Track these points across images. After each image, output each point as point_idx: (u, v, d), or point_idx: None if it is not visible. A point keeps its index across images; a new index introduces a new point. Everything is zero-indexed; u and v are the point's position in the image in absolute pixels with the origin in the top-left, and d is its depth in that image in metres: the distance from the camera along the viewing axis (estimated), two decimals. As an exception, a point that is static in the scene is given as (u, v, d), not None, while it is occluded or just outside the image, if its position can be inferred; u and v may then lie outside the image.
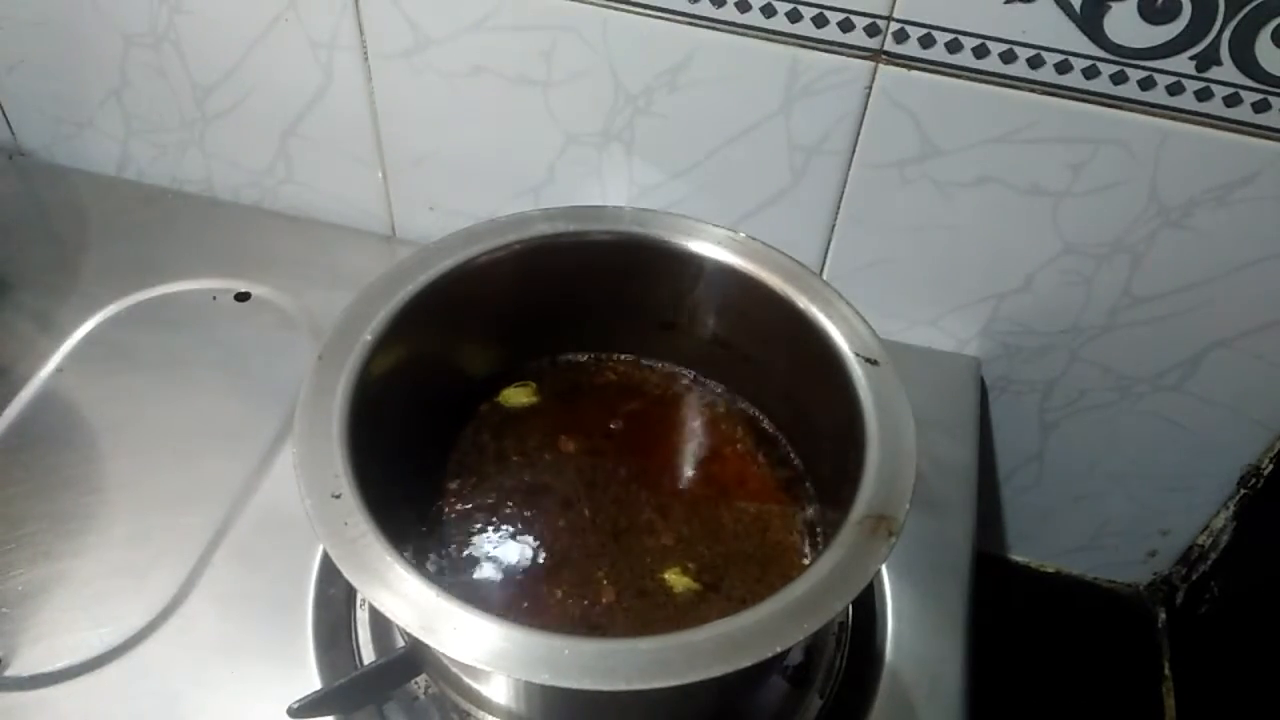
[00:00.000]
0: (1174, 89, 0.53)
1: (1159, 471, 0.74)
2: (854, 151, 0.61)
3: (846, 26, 0.56)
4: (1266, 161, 0.55)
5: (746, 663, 0.36)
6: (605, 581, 0.49)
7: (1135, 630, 0.83)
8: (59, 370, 0.65)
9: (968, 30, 0.54)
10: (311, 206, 0.77)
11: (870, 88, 0.58)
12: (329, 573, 0.54)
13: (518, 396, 0.56)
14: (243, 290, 0.70)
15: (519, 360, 0.58)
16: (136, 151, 0.78)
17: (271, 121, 0.72)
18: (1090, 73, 0.54)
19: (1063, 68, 0.54)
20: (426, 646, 0.37)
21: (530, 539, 0.50)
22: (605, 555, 0.50)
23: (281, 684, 0.49)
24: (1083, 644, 0.84)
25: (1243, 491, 0.73)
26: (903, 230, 0.64)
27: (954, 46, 0.55)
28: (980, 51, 0.55)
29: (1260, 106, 0.53)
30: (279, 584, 0.54)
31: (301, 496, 0.40)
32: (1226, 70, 0.52)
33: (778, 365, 0.54)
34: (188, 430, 0.62)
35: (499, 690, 0.45)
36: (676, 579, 0.49)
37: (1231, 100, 0.53)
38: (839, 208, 0.64)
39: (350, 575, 0.38)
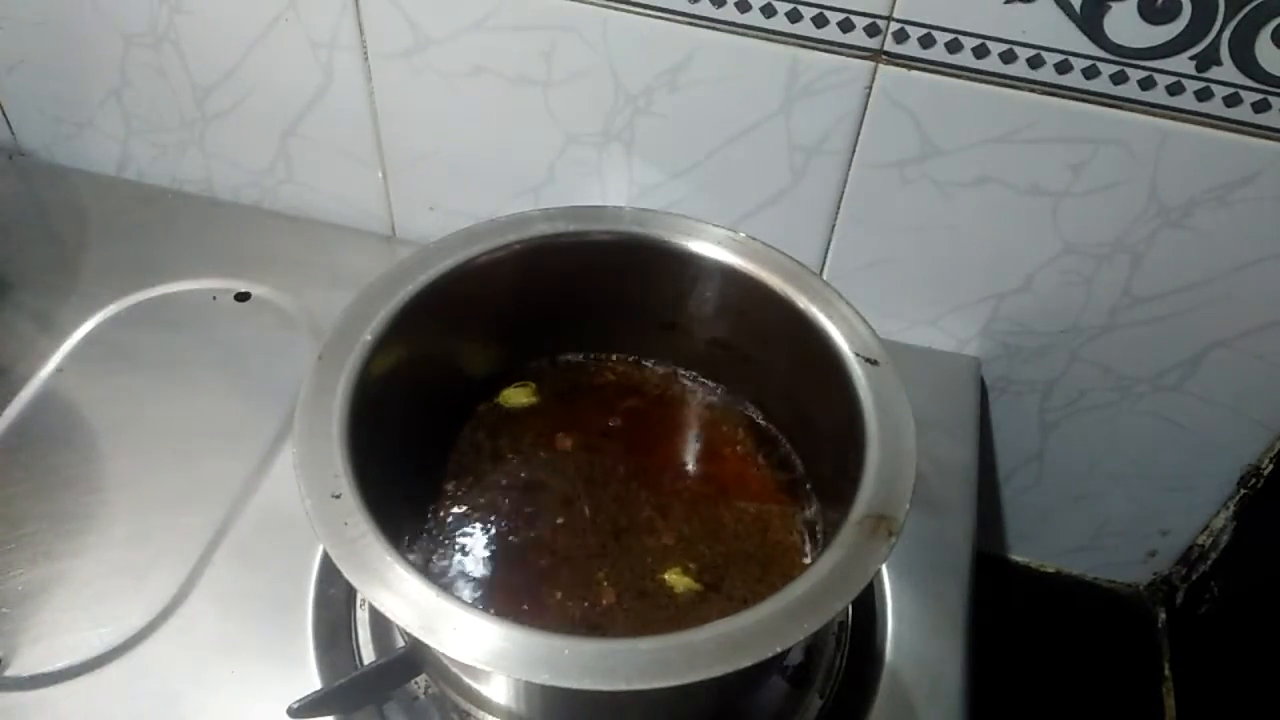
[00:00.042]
0: (1174, 89, 0.53)
1: (1159, 471, 0.74)
2: (854, 151, 0.61)
3: (846, 26, 0.56)
4: (1266, 161, 0.55)
5: (746, 663, 0.36)
6: (606, 583, 0.49)
7: (1135, 630, 0.83)
8: (59, 370, 0.65)
9: (968, 30, 0.54)
10: (311, 206, 0.77)
11: (870, 88, 0.58)
12: (329, 573, 0.54)
13: (517, 397, 0.56)
14: (243, 290, 0.70)
15: (519, 360, 0.58)
16: (136, 151, 0.78)
17: (271, 121, 0.72)
18: (1090, 73, 0.54)
19: (1063, 68, 0.54)
20: (426, 646, 0.37)
21: (530, 539, 0.50)
22: (605, 556, 0.50)
23: (281, 684, 0.49)
24: (1083, 644, 0.84)
25: (1243, 491, 0.73)
26: (903, 230, 0.64)
27: (954, 46, 0.55)
28: (980, 51, 0.55)
29: (1260, 106, 0.53)
30: (279, 584, 0.54)
31: (301, 496, 0.40)
32: (1226, 70, 0.52)
33: (778, 365, 0.54)
34: (188, 430, 0.62)
35: (499, 690, 0.45)
36: (677, 579, 0.49)
37: (1231, 100, 0.53)
38: (839, 208, 0.64)
39: (350, 575, 0.38)
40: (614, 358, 0.59)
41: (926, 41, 0.55)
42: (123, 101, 0.74)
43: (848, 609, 0.55)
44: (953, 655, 0.55)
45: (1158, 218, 0.59)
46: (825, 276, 0.67)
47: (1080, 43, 0.53)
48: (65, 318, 0.67)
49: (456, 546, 0.50)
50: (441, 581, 0.48)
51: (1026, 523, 0.82)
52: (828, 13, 0.56)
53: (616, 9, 0.59)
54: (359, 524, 0.40)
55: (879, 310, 0.64)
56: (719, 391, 0.58)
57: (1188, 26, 0.51)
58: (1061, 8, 0.52)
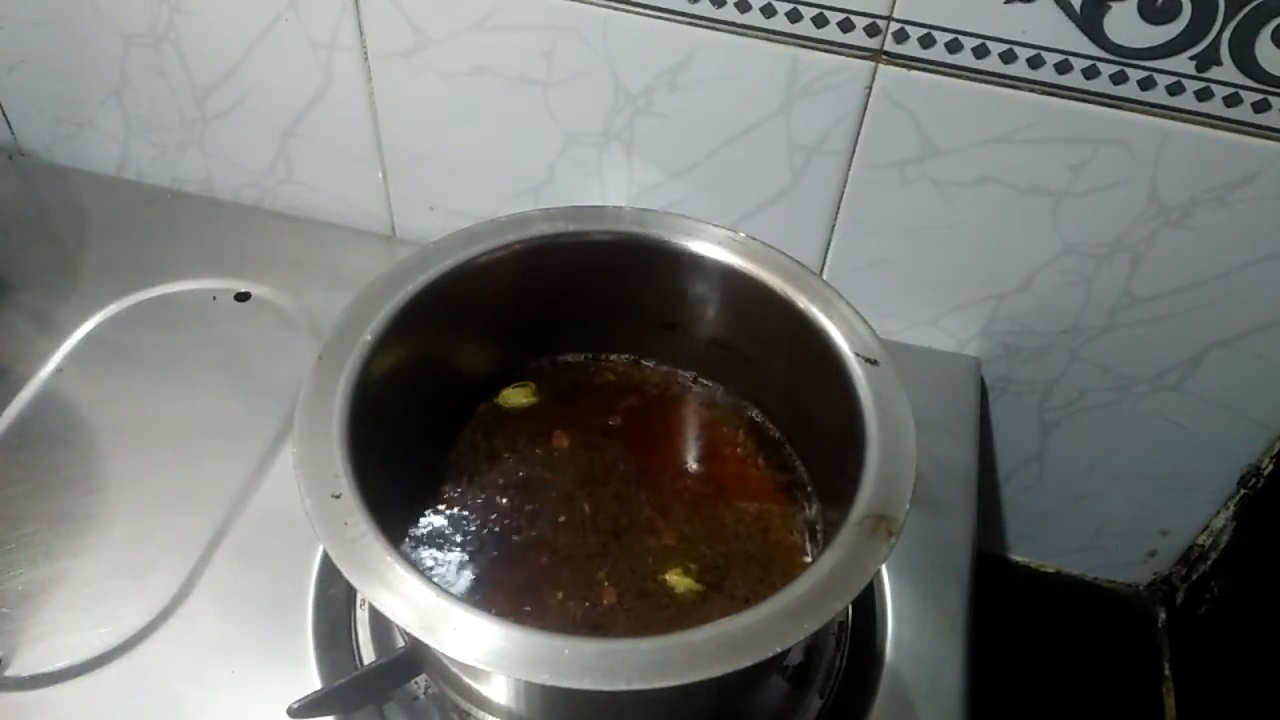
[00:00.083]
0: (1174, 89, 0.53)
1: (1159, 471, 0.74)
2: (854, 151, 0.61)
3: (846, 26, 0.56)
4: (1266, 161, 0.55)
5: (747, 663, 0.36)
6: (606, 583, 0.49)
7: (1135, 630, 0.83)
8: (59, 370, 0.65)
9: (968, 30, 0.54)
10: (311, 206, 0.77)
11: (870, 88, 0.58)
12: (329, 573, 0.54)
13: (517, 397, 0.56)
14: (243, 290, 0.70)
15: (518, 360, 0.58)
16: (136, 151, 0.78)
17: (271, 121, 0.72)
18: (1090, 73, 0.54)
19: (1063, 68, 0.54)
20: (426, 646, 0.37)
21: (530, 539, 0.50)
22: (606, 556, 0.50)
23: (281, 684, 0.49)
24: (1083, 644, 0.84)
25: (1243, 491, 0.73)
26: (903, 230, 0.64)
27: (954, 46, 0.55)
28: (980, 51, 0.55)
29: (1260, 106, 0.53)
30: (279, 584, 0.54)
31: (301, 496, 0.40)
32: (1226, 70, 0.52)
33: (778, 365, 0.54)
34: (188, 430, 0.62)
35: (499, 690, 0.45)
36: (678, 579, 0.49)
37: (1231, 100, 0.53)
38: (839, 208, 0.64)
39: (350, 575, 0.38)
40: (614, 358, 0.59)
41: (926, 41, 0.55)
42: (123, 101, 0.74)
43: (848, 609, 0.55)
44: (953, 655, 0.55)
45: (1158, 218, 0.59)
46: (825, 276, 0.67)
47: (1080, 43, 0.53)
48: (65, 318, 0.67)
49: (456, 546, 0.50)
50: (441, 581, 0.48)
51: (1026, 523, 0.82)
52: (828, 13, 0.56)
53: (616, 9, 0.59)
54: (359, 524, 0.40)
55: (879, 310, 0.64)
56: (719, 391, 0.58)
57: (1188, 26, 0.51)
58: (1061, 8, 0.52)
